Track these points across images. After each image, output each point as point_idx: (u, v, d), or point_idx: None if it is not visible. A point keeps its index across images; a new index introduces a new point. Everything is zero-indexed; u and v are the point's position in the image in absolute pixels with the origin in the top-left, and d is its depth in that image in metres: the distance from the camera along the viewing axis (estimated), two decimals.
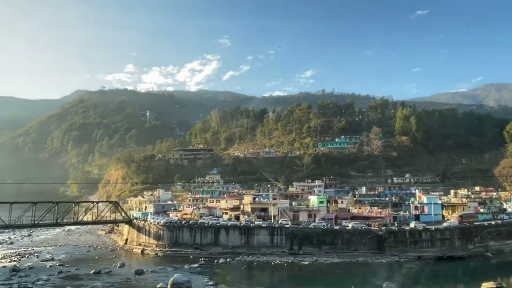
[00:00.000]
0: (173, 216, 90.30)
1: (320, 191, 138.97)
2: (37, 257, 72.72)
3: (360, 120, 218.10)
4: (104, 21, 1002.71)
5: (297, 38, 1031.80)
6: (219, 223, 76.42)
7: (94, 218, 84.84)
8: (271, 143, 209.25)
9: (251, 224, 75.26)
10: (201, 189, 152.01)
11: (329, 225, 74.99)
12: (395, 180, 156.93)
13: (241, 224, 75.47)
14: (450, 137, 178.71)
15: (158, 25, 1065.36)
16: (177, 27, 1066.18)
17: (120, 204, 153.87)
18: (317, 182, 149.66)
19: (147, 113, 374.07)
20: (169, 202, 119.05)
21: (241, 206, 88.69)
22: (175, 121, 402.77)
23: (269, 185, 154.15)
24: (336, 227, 74.22)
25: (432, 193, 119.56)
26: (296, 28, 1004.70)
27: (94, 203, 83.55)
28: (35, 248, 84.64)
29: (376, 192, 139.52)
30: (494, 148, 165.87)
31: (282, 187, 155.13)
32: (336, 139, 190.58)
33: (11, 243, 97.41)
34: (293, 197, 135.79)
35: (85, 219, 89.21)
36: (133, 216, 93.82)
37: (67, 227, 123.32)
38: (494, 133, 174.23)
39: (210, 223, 76.46)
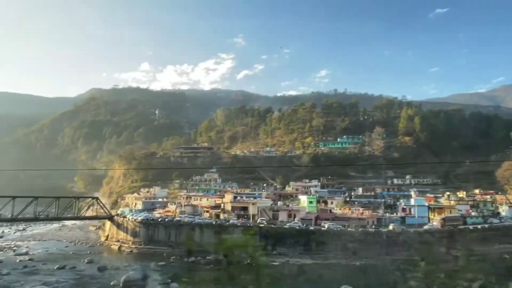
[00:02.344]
0: (157, 213, 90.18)
1: (316, 191, 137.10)
2: (14, 251, 73.61)
3: (364, 120, 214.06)
4: (121, 20, 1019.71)
5: (312, 38, 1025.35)
6: (194, 221, 75.65)
7: (76, 213, 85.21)
8: (273, 142, 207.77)
9: (226, 223, 74.23)
10: (197, 187, 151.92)
11: (305, 225, 73.33)
12: (395, 181, 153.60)
13: (216, 223, 74.53)
14: (456, 138, 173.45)
15: (174, 24, 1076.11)
16: (192, 26, 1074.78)
17: (120, 200, 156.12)
18: (313, 182, 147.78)
19: (157, 111, 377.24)
20: (159, 200, 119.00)
21: (222, 205, 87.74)
22: (184, 119, 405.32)
23: (265, 184, 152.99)
24: (312, 228, 72.54)
25: (429, 195, 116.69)
26: (311, 27, 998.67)
27: (74, 199, 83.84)
28: (18, 242, 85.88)
29: (373, 193, 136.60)
30: (501, 150, 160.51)
31: (278, 186, 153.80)
32: (338, 139, 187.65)
33: (1, 237, 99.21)
34: (287, 197, 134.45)
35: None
36: (119, 213, 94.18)
37: (62, 222, 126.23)
38: (502, 135, 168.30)
39: (185, 221, 75.81)
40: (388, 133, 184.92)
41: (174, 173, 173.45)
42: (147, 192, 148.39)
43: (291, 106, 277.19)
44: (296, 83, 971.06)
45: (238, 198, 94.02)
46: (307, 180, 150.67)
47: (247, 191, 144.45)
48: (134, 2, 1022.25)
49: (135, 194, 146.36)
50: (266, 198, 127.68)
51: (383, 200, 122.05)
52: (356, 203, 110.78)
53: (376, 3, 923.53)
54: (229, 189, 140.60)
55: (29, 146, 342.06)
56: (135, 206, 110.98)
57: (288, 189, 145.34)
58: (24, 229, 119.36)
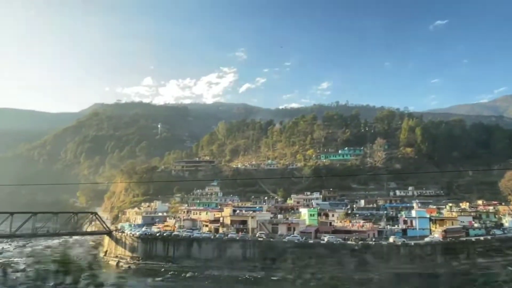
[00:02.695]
0: (156, 228, 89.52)
1: (317, 204, 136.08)
2: (11, 267, 72.77)
3: (365, 131, 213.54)
4: (123, 35, 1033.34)
5: (313, 50, 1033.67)
6: (192, 235, 75.01)
7: (75, 229, 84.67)
8: (275, 155, 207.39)
9: (225, 237, 73.52)
10: (198, 201, 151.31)
11: (304, 238, 72.49)
12: (397, 193, 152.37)
13: (214, 237, 73.82)
14: (457, 149, 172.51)
15: (175, 38, 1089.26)
16: (194, 40, 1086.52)
17: (121, 214, 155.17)
18: (315, 195, 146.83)
19: (159, 126, 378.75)
20: (159, 214, 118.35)
21: (221, 219, 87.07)
22: (186, 133, 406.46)
23: (266, 197, 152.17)
24: (311, 241, 71.67)
25: (431, 207, 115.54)
26: (312, 40, 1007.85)
27: (72, 214, 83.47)
28: (16, 259, 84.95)
29: (375, 205, 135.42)
30: (503, 160, 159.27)
31: (279, 199, 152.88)
32: (339, 151, 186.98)
33: (0, 253, 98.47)
34: (288, 210, 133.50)
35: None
36: (118, 228, 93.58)
37: (63, 238, 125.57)
38: (504, 145, 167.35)
39: (183, 235, 75.16)
40: (390, 144, 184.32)
41: (175, 187, 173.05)
42: (148, 206, 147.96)
43: (292, 118, 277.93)
44: (298, 96, 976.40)
45: (238, 211, 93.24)
46: (308, 193, 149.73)
47: (248, 204, 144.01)
48: (136, 17, 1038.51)
49: (136, 209, 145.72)
50: (267, 211, 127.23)
51: (385, 212, 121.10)
52: (357, 215, 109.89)
53: (376, 15, 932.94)
54: (229, 202, 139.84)
55: (32, 161, 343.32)
56: (135, 221, 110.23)
57: (290, 202, 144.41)
58: (24, 246, 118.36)
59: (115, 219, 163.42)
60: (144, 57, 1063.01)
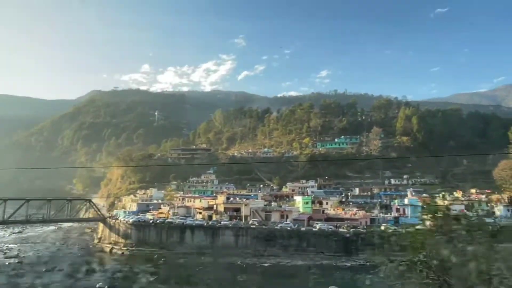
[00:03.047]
0: (150, 215, 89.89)
1: (312, 192, 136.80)
2: (5, 254, 73.45)
3: (362, 120, 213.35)
4: (121, 21, 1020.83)
5: (313, 38, 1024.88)
6: (185, 222, 75.40)
7: (69, 216, 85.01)
8: (271, 143, 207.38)
9: (217, 224, 73.92)
10: (193, 189, 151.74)
11: (296, 226, 72.97)
12: (392, 181, 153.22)
13: (207, 224, 74.22)
14: (453, 138, 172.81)
15: (174, 25, 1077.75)
16: (192, 27, 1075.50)
17: (117, 202, 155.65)
18: (310, 183, 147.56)
19: (156, 113, 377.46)
20: (155, 201, 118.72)
21: (215, 206, 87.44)
22: (184, 121, 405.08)
23: (261, 185, 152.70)
24: (303, 229, 72.16)
25: (425, 195, 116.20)
26: (312, 28, 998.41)
27: (67, 201, 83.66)
28: (12, 245, 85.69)
29: (369, 194, 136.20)
30: (499, 150, 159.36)
31: (275, 187, 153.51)
32: (335, 139, 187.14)
33: None
34: (283, 198, 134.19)
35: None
36: (112, 214, 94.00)
37: (59, 225, 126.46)
38: (500, 134, 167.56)
39: (176, 222, 75.53)
40: (386, 133, 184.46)
41: (171, 175, 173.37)
42: (144, 194, 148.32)
43: (290, 107, 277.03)
44: (297, 84, 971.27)
45: (231, 199, 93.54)
46: (304, 181, 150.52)
47: (244, 192, 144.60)
48: (135, 3, 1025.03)
49: (131, 196, 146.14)
50: (262, 199, 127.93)
51: (378, 200, 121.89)
52: (351, 203, 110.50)
53: (376, 3, 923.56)
54: (225, 190, 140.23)
55: (29, 148, 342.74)
56: (130, 208, 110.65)
57: (285, 190, 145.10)
58: (20, 232, 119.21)
59: (111, 206, 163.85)
60: (142, 44, 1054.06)
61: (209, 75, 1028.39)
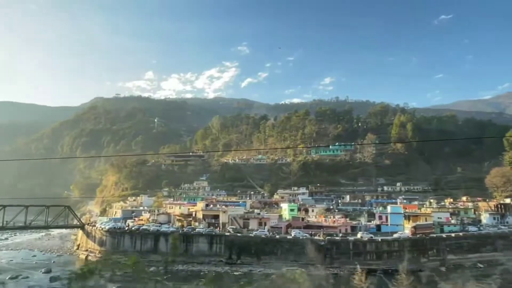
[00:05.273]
0: (130, 222, 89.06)
1: (303, 199, 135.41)
2: None
3: (358, 127, 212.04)
4: (125, 29, 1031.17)
5: (316, 45, 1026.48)
6: (160, 230, 74.41)
7: (47, 222, 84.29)
8: (266, 150, 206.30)
9: (192, 232, 72.85)
10: (184, 195, 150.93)
11: (271, 234, 71.69)
12: (385, 188, 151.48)
13: (181, 231, 73.18)
14: (448, 145, 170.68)
15: (178, 32, 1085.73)
16: (196, 35, 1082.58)
17: (108, 208, 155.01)
18: (301, 190, 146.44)
19: (156, 120, 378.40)
20: (141, 208, 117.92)
21: (194, 213, 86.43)
22: (184, 127, 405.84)
23: (252, 192, 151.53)
24: (278, 236, 70.81)
25: (414, 203, 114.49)
26: (315, 35, 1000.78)
27: (45, 207, 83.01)
28: None
29: (360, 201, 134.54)
30: (494, 156, 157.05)
31: (266, 194, 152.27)
32: (330, 146, 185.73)
33: None
34: (272, 205, 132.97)
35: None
36: (92, 221, 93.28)
37: (47, 231, 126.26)
38: (495, 141, 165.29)
39: (151, 229, 74.56)
40: (381, 140, 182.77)
41: (164, 181, 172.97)
42: (134, 200, 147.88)
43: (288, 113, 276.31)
44: (300, 91, 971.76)
45: (211, 206, 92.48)
46: (295, 188, 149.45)
47: (234, 199, 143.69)
48: (139, 11, 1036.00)
49: (121, 203, 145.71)
50: (251, 205, 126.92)
51: (366, 208, 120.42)
52: (337, 211, 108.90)
53: (380, 10, 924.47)
54: (213, 197, 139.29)
55: (29, 155, 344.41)
56: (114, 215, 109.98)
57: (276, 197, 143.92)
58: (6, 238, 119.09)
59: (103, 213, 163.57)
60: (146, 52, 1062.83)
61: (212, 82, 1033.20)
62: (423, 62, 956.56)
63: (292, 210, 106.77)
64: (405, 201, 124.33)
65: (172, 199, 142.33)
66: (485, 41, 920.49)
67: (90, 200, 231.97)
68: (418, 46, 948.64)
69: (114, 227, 77.97)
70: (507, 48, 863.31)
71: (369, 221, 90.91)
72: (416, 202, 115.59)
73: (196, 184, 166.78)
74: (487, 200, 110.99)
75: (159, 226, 77.62)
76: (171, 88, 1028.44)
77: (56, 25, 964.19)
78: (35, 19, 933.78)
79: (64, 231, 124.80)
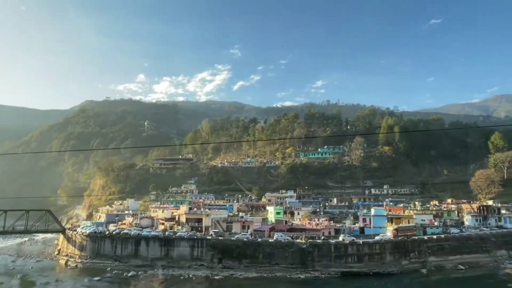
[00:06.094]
0: (113, 226, 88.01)
1: (290, 202, 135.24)
2: None
3: (346, 130, 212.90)
4: (117, 31, 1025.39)
5: (309, 49, 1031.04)
6: (141, 234, 73.55)
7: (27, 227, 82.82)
8: (255, 153, 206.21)
9: (173, 236, 72.14)
10: (171, 199, 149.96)
11: (252, 237, 71.29)
12: (373, 191, 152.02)
13: (162, 235, 72.43)
14: (435, 148, 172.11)
15: (169, 35, 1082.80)
16: (188, 37, 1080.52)
17: (94, 212, 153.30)
18: (289, 193, 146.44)
19: (146, 123, 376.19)
20: (126, 212, 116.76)
21: (177, 217, 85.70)
22: (175, 131, 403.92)
23: (239, 196, 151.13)
24: (259, 240, 70.43)
25: (400, 205, 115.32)
26: (307, 38, 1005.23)
27: (25, 212, 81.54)
28: None
29: (347, 204, 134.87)
30: (479, 159, 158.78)
31: (254, 197, 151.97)
32: (319, 149, 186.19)
33: None
34: (259, 208, 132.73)
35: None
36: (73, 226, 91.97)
37: (31, 236, 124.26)
38: (480, 144, 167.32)
39: (132, 233, 73.69)
40: (369, 143, 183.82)
41: (151, 185, 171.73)
42: (120, 204, 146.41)
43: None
44: (292, 94, 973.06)
45: (195, 209, 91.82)
46: (283, 191, 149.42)
47: (221, 202, 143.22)
48: (131, 13, 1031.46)
49: (107, 207, 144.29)
50: (238, 209, 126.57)
51: (353, 210, 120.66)
52: (322, 213, 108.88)
53: (372, 14, 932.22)
54: (201, 200, 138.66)
55: (16, 158, 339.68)
56: (98, 219, 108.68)
57: (264, 200, 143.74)
58: None
59: (89, 217, 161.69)
60: (138, 54, 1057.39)
61: (204, 85, 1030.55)
62: (415, 66, 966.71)
63: (278, 213, 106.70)
64: (391, 203, 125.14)
65: (159, 203, 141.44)
66: (475, 46, 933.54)
67: (78, 204, 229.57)
68: (410, 50, 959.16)
69: (95, 232, 76.88)
70: (496, 52, 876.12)
71: (355, 223, 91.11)
72: (402, 205, 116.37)
73: (184, 187, 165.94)
74: (471, 202, 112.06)
75: (141, 230, 76.75)
76: (163, 91, 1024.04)
77: (48, 27, 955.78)
78: (25, 20, 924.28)
79: (48, 236, 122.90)
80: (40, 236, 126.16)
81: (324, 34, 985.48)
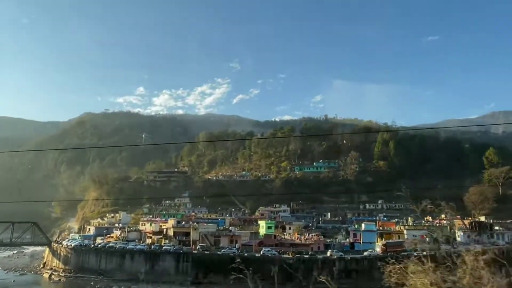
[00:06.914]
0: (100, 239, 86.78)
1: (283, 216, 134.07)
2: None
3: (342, 144, 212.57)
4: (117, 43, 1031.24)
5: (308, 63, 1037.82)
6: (127, 247, 72.40)
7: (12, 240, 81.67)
8: (251, 166, 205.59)
9: (159, 249, 71.01)
10: (164, 212, 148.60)
11: (239, 252, 70.15)
12: (367, 206, 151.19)
13: (148, 249, 71.29)
14: (430, 162, 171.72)
15: (170, 48, 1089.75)
16: (188, 51, 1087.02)
17: (86, 225, 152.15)
18: (283, 207, 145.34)
19: (143, 135, 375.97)
20: (116, 225, 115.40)
21: (165, 230, 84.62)
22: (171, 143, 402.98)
23: (233, 209, 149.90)
24: (246, 254, 69.21)
25: (393, 221, 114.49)
26: (307, 52, 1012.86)
27: (11, 224, 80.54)
28: None
29: (340, 218, 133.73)
30: (475, 174, 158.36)
31: (247, 211, 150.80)
32: (314, 163, 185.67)
33: None
34: (251, 222, 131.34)
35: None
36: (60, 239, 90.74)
37: (20, 249, 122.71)
38: (475, 159, 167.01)
39: (117, 247, 72.54)
40: (364, 157, 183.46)
41: (145, 198, 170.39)
42: (112, 217, 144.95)
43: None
44: (291, 108, 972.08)
45: (183, 223, 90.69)
46: (277, 205, 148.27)
47: (214, 215, 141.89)
48: (132, 26, 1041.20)
49: (99, 220, 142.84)
50: (230, 223, 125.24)
51: (347, 225, 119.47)
52: (314, 228, 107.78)
53: (369, 30, 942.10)
54: (193, 214, 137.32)
55: (12, 169, 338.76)
56: (88, 232, 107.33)
57: (257, 214, 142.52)
58: None
59: (81, 229, 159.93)
60: (138, 67, 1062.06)
61: (204, 99, 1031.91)
62: (412, 81, 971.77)
63: (269, 227, 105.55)
64: (385, 218, 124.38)
65: (151, 216, 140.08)
66: (473, 62, 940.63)
67: (72, 217, 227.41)
68: (408, 65, 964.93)
69: (80, 245, 75.69)
70: (493, 69, 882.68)
71: (346, 239, 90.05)
72: (395, 220, 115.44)
73: (178, 200, 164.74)
74: (464, 218, 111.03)
75: (126, 243, 75.55)
76: (162, 103, 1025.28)
77: (49, 39, 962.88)
78: (27, 33, 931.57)
79: (37, 249, 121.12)
80: (30, 249, 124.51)
81: (322, 49, 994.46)
